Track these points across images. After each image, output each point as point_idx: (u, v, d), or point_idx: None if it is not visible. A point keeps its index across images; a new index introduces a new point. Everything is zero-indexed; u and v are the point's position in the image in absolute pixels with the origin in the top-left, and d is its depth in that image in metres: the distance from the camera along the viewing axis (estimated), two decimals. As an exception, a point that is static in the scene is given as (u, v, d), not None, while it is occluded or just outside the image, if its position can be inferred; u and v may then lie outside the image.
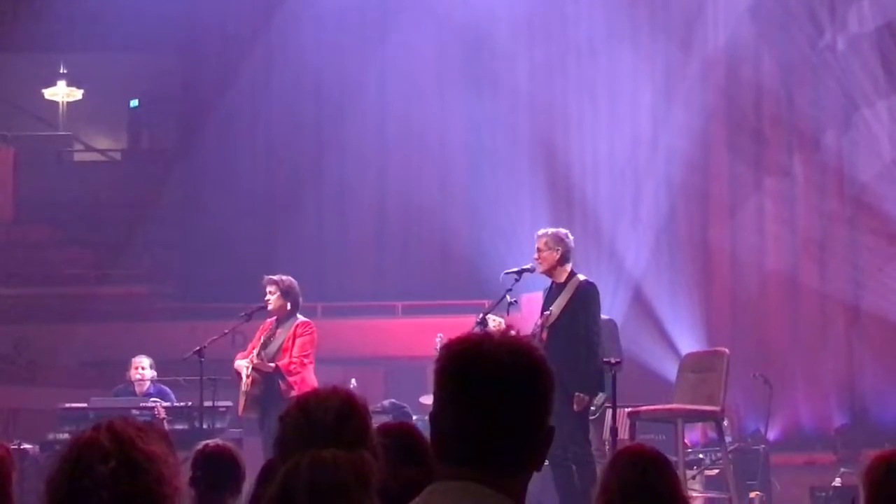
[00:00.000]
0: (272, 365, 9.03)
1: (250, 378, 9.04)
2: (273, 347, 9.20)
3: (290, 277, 9.35)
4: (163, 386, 10.53)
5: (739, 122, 14.42)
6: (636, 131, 14.42)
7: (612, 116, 14.55)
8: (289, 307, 9.26)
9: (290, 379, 8.97)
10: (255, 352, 9.13)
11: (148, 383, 10.44)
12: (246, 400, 9.10)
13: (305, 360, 9.13)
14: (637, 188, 14.38)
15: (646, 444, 3.90)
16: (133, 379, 10.46)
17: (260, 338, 9.29)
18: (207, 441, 4.87)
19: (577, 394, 7.84)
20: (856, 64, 14.08)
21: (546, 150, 14.66)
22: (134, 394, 10.42)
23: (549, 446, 2.04)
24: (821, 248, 14.08)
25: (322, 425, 2.60)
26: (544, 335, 8.08)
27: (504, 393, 1.96)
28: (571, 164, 14.71)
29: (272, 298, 9.24)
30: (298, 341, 9.16)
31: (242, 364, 9.13)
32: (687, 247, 14.34)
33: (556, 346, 7.77)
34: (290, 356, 9.10)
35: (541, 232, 8.43)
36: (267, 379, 9.05)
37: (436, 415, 2.02)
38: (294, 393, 8.45)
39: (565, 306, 8.14)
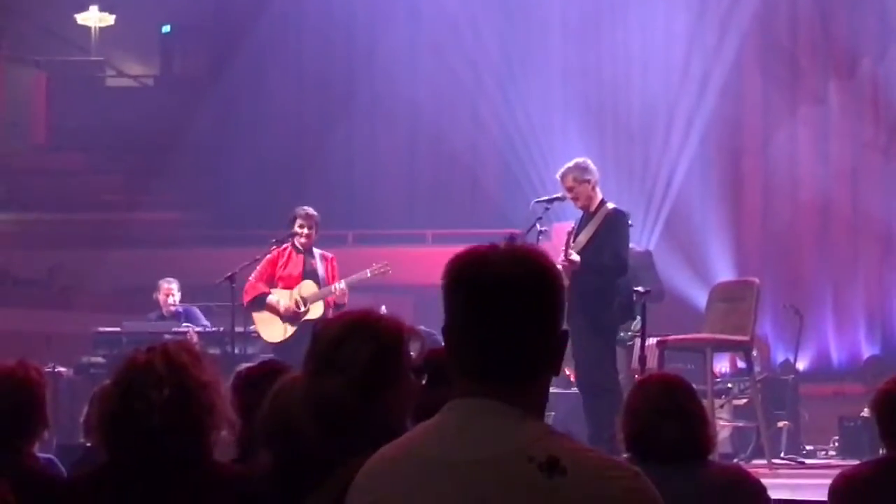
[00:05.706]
0: (345, 298, 9.06)
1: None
2: (319, 278, 9.29)
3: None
4: (190, 306, 10.65)
5: (774, 49, 14.26)
6: (669, 58, 14.28)
7: (645, 43, 14.41)
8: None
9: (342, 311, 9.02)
10: (335, 286, 9.15)
11: (176, 303, 10.58)
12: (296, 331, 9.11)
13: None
14: (670, 116, 14.27)
15: (670, 372, 3.92)
16: (163, 302, 10.58)
17: (278, 264, 9.31)
18: (248, 364, 4.82)
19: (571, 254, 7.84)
20: (894, -10, 13.87)
21: (578, 79, 14.57)
22: (165, 319, 10.54)
23: (563, 351, 2.02)
24: (854, 178, 13.97)
25: (349, 360, 2.58)
26: (571, 263, 8.04)
27: (511, 300, 1.94)
28: (604, 92, 14.61)
29: (308, 232, 9.31)
30: (335, 273, 9.30)
31: (305, 295, 9.17)
32: (719, 175, 14.26)
33: (583, 274, 7.76)
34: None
35: (563, 171, 8.21)
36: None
37: (446, 328, 2.01)
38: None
39: (593, 235, 8.10)
